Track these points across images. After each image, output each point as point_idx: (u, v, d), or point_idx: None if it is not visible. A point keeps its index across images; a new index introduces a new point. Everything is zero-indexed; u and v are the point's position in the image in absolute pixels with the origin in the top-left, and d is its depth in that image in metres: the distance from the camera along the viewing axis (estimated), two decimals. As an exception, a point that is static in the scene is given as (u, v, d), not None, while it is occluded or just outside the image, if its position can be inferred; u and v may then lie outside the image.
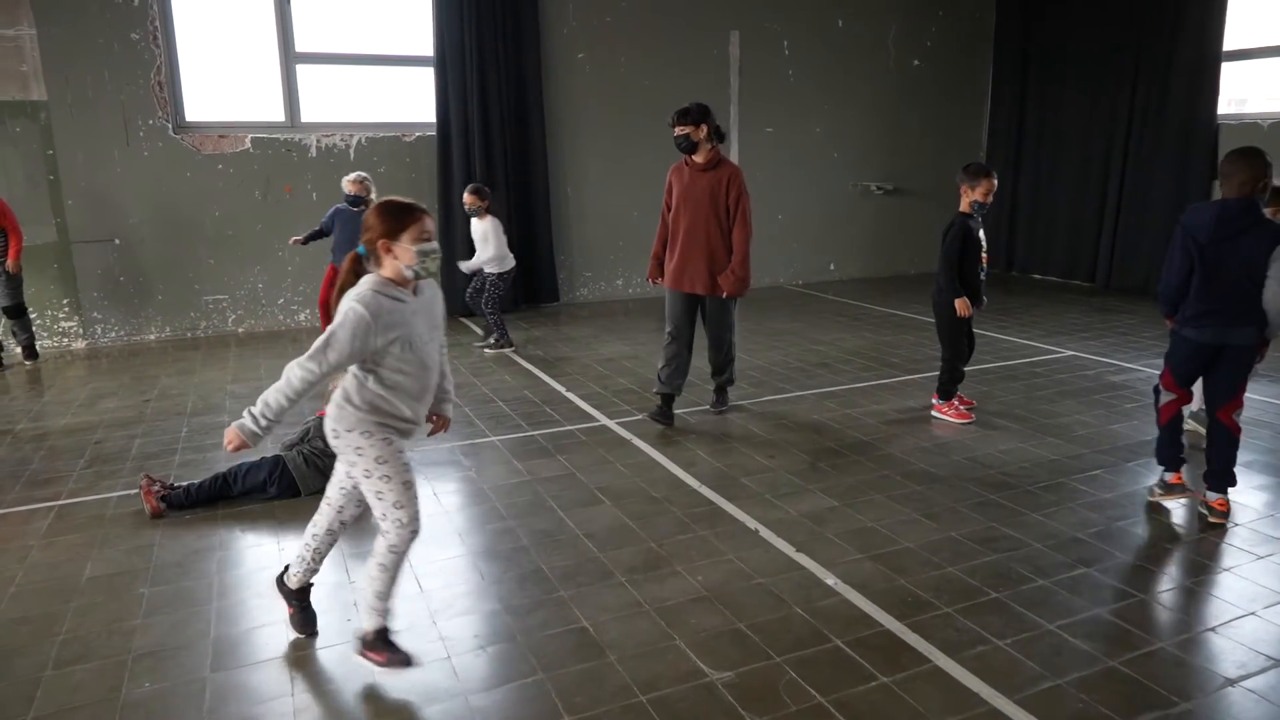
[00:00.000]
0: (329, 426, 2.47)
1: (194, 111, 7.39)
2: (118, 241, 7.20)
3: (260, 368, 6.37)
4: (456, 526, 3.62)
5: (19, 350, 6.65)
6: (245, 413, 2.36)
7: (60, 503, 3.94)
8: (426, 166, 8.05)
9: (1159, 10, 8.49)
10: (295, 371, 2.32)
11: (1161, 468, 3.73)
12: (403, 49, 8.03)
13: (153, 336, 7.46)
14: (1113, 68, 8.97)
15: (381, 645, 2.56)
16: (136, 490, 3.88)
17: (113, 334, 7.32)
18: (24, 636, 2.80)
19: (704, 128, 4.45)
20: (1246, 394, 3.58)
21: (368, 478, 2.44)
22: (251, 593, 3.09)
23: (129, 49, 6.98)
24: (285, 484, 3.85)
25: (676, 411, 5.04)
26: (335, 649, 2.73)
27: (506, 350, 6.75)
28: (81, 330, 7.23)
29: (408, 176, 8.03)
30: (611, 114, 8.66)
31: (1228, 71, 8.22)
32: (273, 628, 2.85)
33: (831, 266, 10.19)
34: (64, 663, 2.66)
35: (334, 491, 2.66)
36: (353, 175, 6.19)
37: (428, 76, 7.93)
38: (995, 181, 4.67)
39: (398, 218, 2.35)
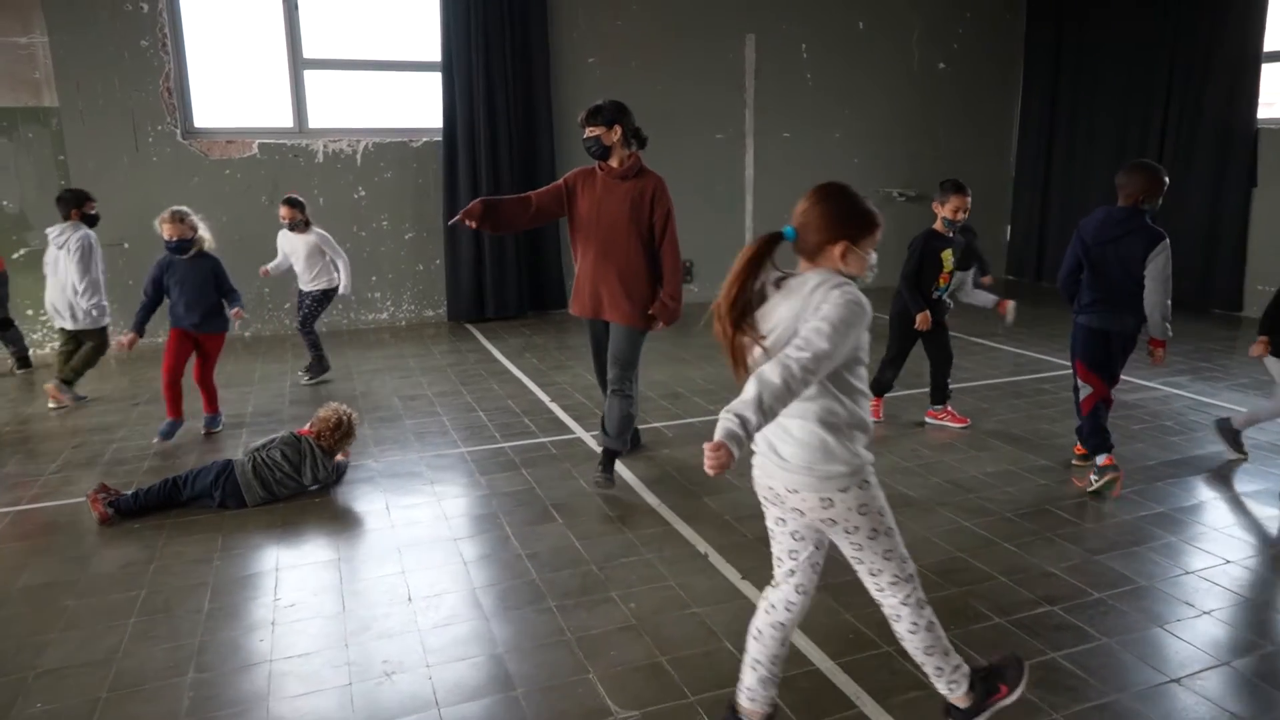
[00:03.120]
0: (816, 496, 1.95)
1: (202, 117, 7.47)
2: (126, 245, 7.29)
3: (255, 372, 6.38)
4: (399, 542, 3.52)
5: (11, 360, 6.52)
6: (727, 415, 1.75)
7: (19, 508, 3.94)
8: (433, 172, 8.03)
9: (1196, 10, 8.08)
10: (788, 365, 1.77)
11: (1092, 452, 3.94)
12: (410, 54, 8.01)
13: (161, 339, 7.51)
14: (1148, 70, 8.56)
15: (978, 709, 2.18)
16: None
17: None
18: (-63, 648, 2.77)
19: (617, 129, 3.80)
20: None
21: (874, 538, 1.99)
22: (176, 611, 3.01)
23: (139, 56, 7.08)
24: (230, 490, 3.79)
25: (658, 424, 4.88)
26: (241, 671, 2.63)
27: (324, 377, 6.06)
28: (90, 333, 7.34)
29: (414, 182, 8.02)
30: (622, 119, 8.54)
31: (1270, 73, 7.78)
32: (182, 643, 2.77)
33: (851, 275, 9.91)
34: (-34, 677, 2.61)
35: (789, 566, 2.12)
36: (169, 213, 4.75)
37: (435, 81, 7.90)
38: (968, 199, 4.55)
39: (870, 221, 1.97)
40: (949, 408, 4.87)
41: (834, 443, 1.93)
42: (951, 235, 4.62)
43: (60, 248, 5.55)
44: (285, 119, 7.71)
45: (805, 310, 1.89)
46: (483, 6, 7.74)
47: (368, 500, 3.98)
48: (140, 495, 3.79)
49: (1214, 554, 3.31)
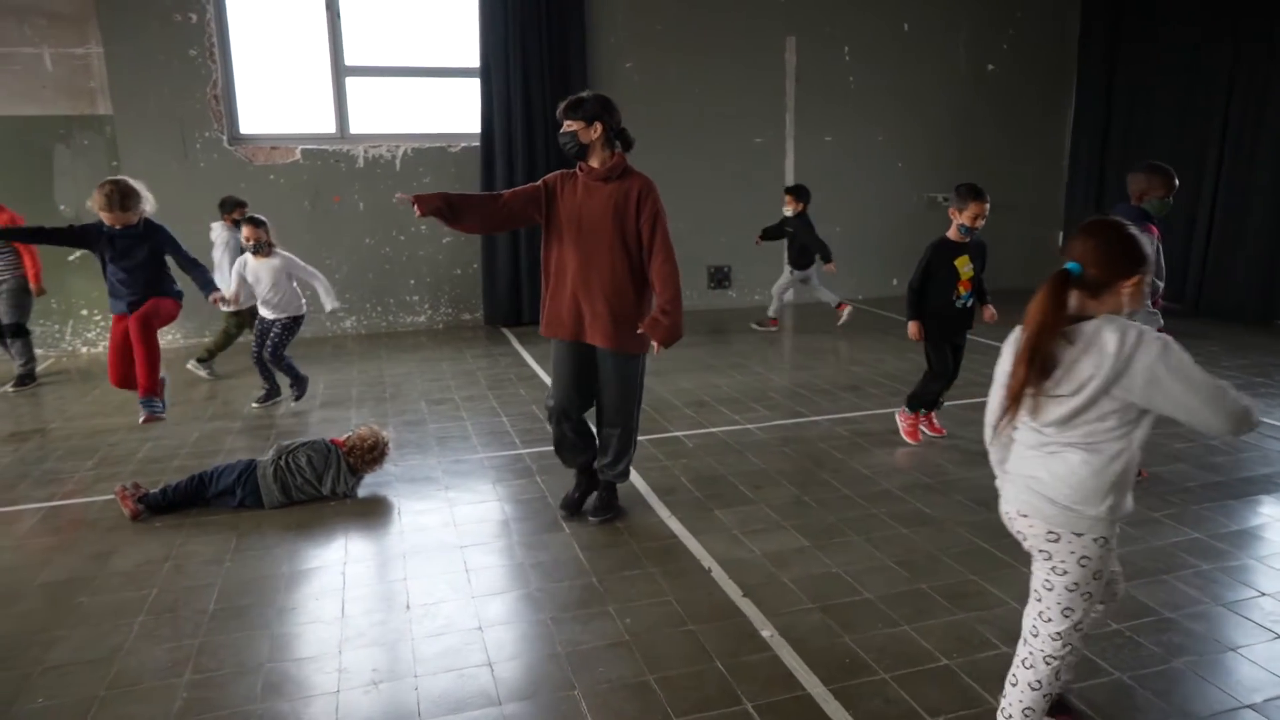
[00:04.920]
0: (1045, 526, 1.95)
1: (248, 124, 7.67)
2: (175, 248, 7.52)
3: (291, 374, 6.51)
4: (405, 548, 3.54)
5: (16, 371, 6.22)
6: None
7: (52, 504, 4.07)
8: (470, 177, 8.10)
9: (1259, 9, 7.70)
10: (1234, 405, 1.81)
11: None
12: (449, 60, 8.11)
13: (208, 339, 7.74)
14: (1208, 72, 8.20)
15: None
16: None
17: (171, 336, 7.65)
18: (-46, 641, 2.87)
19: (597, 126, 3.38)
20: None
21: (1071, 591, 1.96)
22: (182, 611, 3.07)
23: (188, 65, 7.30)
24: (249, 490, 3.87)
25: (679, 433, 4.83)
26: (236, 675, 2.67)
27: (277, 399, 5.71)
28: (140, 333, 7.58)
29: (452, 187, 8.05)
30: (660, 124, 8.48)
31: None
32: (183, 644, 2.82)
33: (895, 281, 9.71)
34: (-25, 671, 2.70)
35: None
36: (103, 196, 4.16)
37: (473, 87, 7.98)
38: (986, 206, 4.38)
39: (1148, 252, 1.92)
40: (931, 416, 4.77)
41: (1091, 486, 1.90)
42: (967, 241, 4.48)
43: (215, 242, 6.47)
44: (328, 125, 7.87)
45: (1114, 372, 1.82)
46: (521, 12, 7.79)
47: (381, 504, 4.01)
48: (168, 491, 3.89)
49: (1249, 586, 3.13)
